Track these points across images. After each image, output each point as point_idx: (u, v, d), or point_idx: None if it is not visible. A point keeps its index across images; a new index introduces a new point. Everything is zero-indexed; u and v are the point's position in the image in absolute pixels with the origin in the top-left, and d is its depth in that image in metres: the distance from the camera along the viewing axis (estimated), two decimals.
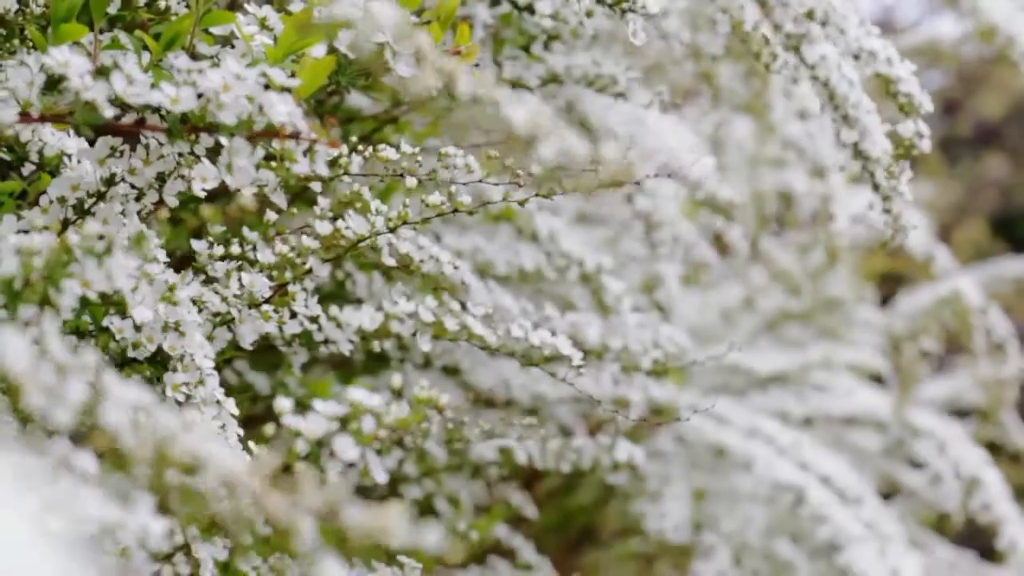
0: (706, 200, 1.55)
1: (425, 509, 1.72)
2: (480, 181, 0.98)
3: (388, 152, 0.97)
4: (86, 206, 0.92)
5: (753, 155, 1.69)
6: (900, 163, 1.19)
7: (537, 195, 0.95)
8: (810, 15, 1.19)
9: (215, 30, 0.92)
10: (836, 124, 1.16)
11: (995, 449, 2.11)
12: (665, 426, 1.82)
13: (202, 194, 0.89)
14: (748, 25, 1.14)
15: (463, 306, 1.14)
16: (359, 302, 1.28)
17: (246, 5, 0.93)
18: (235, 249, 1.03)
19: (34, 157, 0.94)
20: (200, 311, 1.00)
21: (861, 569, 1.52)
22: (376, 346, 1.18)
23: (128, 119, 0.87)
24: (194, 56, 0.91)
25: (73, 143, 0.94)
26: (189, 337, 0.93)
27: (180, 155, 0.90)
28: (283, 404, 0.77)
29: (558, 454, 1.56)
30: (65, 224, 0.92)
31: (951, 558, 2.83)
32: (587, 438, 1.60)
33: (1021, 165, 6.09)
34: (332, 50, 0.90)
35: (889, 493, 3.03)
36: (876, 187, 1.16)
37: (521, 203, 0.97)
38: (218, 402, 0.93)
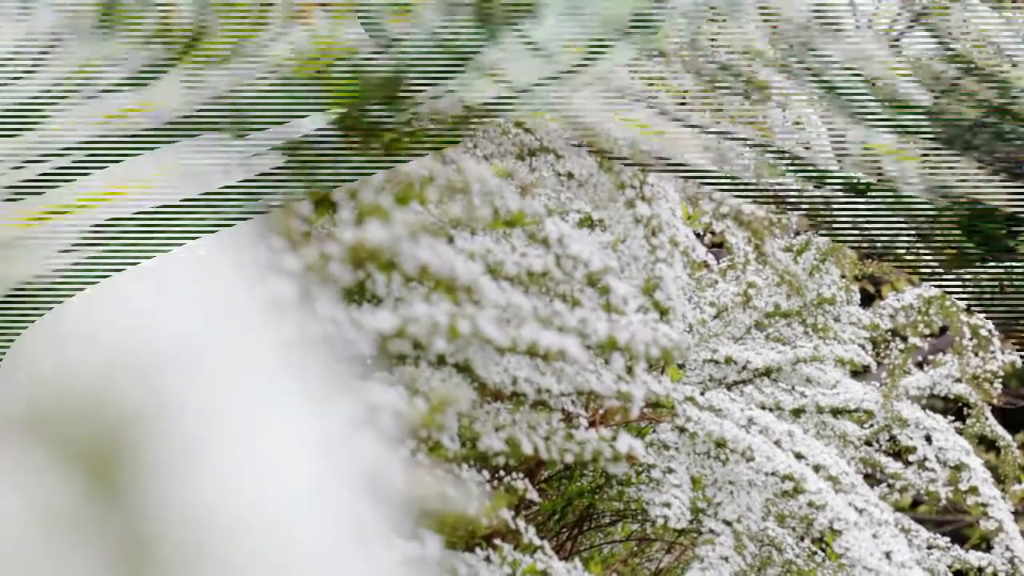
0: (728, 213, 1.53)
1: None
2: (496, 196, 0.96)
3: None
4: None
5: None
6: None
7: (550, 212, 0.93)
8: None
9: None
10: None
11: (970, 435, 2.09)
12: (666, 419, 1.80)
13: None
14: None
15: (475, 303, 1.11)
16: (377, 300, 1.25)
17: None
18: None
19: None
20: None
21: (858, 555, 1.50)
22: (393, 347, 1.15)
23: None
24: None
25: None
26: None
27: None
28: None
29: (562, 449, 1.54)
30: None
31: (928, 540, 2.82)
32: (590, 430, 1.58)
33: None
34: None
35: (869, 479, 3.01)
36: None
37: (535, 222, 0.95)
38: None
